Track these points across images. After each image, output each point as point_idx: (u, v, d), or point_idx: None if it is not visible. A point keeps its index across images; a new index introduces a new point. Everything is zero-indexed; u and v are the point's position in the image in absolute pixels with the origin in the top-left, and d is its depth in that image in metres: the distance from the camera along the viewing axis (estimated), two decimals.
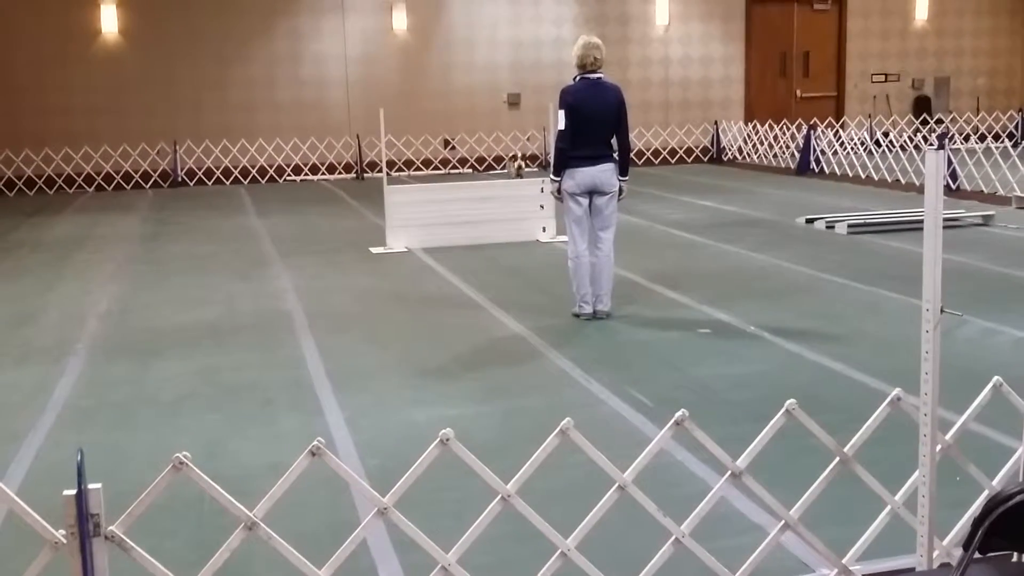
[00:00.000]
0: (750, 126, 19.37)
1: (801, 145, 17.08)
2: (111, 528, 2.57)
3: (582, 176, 7.13)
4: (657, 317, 7.35)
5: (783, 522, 3.21)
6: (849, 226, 10.81)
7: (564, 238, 7.81)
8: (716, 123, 20.04)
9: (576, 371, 5.98)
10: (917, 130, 18.55)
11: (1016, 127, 20.31)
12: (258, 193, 16.43)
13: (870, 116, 20.40)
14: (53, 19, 17.30)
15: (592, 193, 7.20)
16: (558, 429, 2.98)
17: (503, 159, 18.68)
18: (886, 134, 17.73)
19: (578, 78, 7.24)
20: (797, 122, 18.22)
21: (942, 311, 2.99)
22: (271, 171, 18.11)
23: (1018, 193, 12.35)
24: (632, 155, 9.58)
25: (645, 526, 3.23)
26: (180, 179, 17.75)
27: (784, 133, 17.98)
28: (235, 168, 18.00)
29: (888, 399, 3.29)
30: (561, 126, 7.13)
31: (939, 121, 19.89)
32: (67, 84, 17.38)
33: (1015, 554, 2.75)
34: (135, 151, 17.59)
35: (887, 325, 6.91)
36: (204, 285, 8.89)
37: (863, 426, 3.28)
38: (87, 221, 13.48)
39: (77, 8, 17.45)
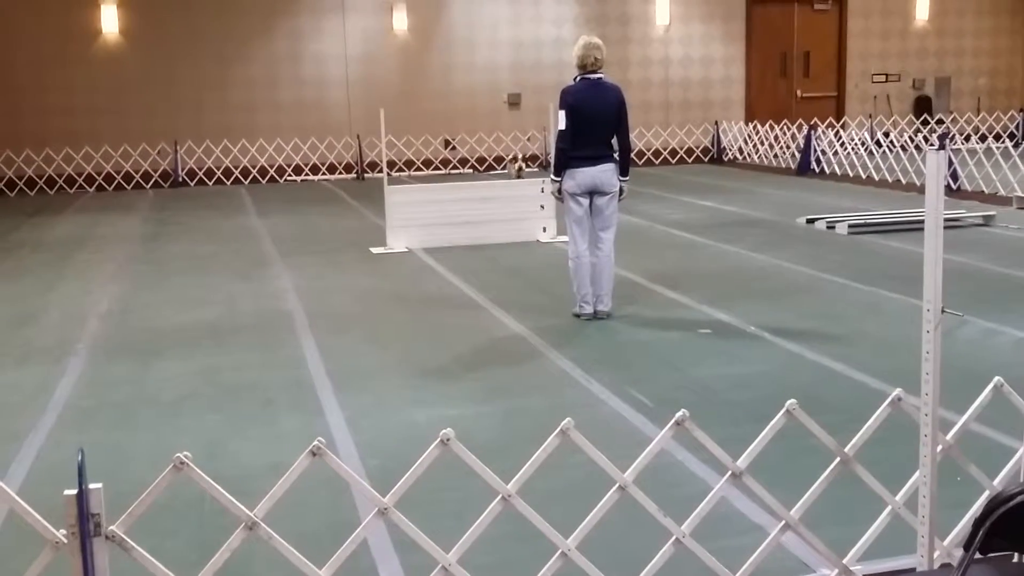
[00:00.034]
0: (750, 126, 19.37)
1: (802, 145, 17.08)
2: (112, 528, 2.57)
3: (583, 176, 7.13)
4: (657, 317, 7.35)
5: (784, 522, 3.21)
6: (850, 226, 10.80)
7: (565, 238, 7.81)
8: (716, 123, 20.04)
9: (576, 371, 5.98)
10: (918, 130, 18.55)
11: (1017, 127, 20.31)
12: (259, 193, 16.43)
13: (871, 116, 20.40)
14: (54, 19, 17.31)
15: (593, 193, 7.20)
16: (558, 429, 2.98)
17: (503, 159, 18.68)
18: (887, 134, 17.72)
19: (578, 78, 7.24)
20: (798, 122, 18.22)
21: (943, 311, 2.99)
22: (272, 171, 18.11)
23: (1019, 193, 12.35)
24: (632, 155, 9.57)
25: (646, 526, 3.23)
26: (181, 179, 17.76)
27: (784, 133, 17.98)
28: (236, 168, 18.01)
29: (889, 399, 3.29)
30: (562, 126, 7.13)
31: (940, 121, 19.89)
32: (68, 84, 17.39)
33: (1016, 555, 2.74)
34: (136, 151, 17.60)
35: (888, 325, 6.91)
36: (205, 285, 8.89)
37: (864, 426, 3.28)
38: (88, 221, 13.48)
39: (78, 8, 17.45)
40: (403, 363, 6.30)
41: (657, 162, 19.66)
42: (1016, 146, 18.17)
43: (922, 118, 19.90)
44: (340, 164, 18.54)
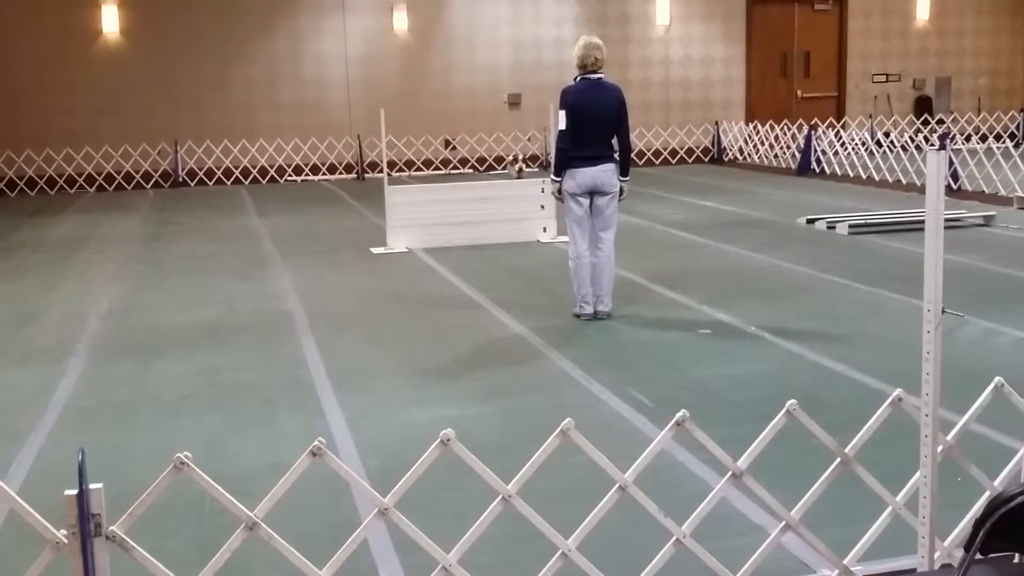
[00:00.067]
0: (751, 126, 19.37)
1: (802, 145, 17.08)
2: (112, 528, 2.57)
3: (583, 176, 7.13)
4: (658, 317, 7.35)
5: (784, 523, 3.21)
6: (850, 226, 10.80)
7: (565, 238, 7.80)
8: (717, 123, 20.04)
9: (577, 371, 5.98)
10: (918, 130, 18.54)
11: (1017, 127, 20.30)
12: (259, 193, 16.44)
13: (871, 116, 20.40)
14: (54, 19, 17.32)
15: (593, 193, 7.19)
16: (559, 429, 2.98)
17: (504, 159, 18.69)
18: (887, 134, 17.72)
19: (579, 78, 7.23)
20: (798, 122, 18.22)
21: (943, 312, 2.99)
22: (272, 171, 18.11)
23: (1019, 193, 12.35)
24: (633, 155, 9.58)
25: (646, 527, 3.23)
26: (181, 179, 17.76)
27: (785, 133, 17.98)
28: (236, 168, 18.01)
29: (889, 400, 3.29)
30: (562, 126, 7.12)
31: (940, 121, 19.89)
32: (68, 84, 17.40)
33: (1017, 555, 2.74)
34: (136, 151, 17.60)
35: (888, 326, 6.90)
36: (205, 285, 8.89)
37: (864, 427, 3.28)
38: (88, 221, 13.48)
39: (78, 8, 17.46)
40: (403, 363, 6.30)
41: (657, 162, 19.66)
42: (1016, 146, 18.16)
43: (922, 118, 19.90)
44: (340, 164, 18.54)
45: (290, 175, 18.31)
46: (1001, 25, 21.82)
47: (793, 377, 5.80)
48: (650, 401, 5.38)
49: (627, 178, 7.31)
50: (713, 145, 20.04)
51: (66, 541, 2.49)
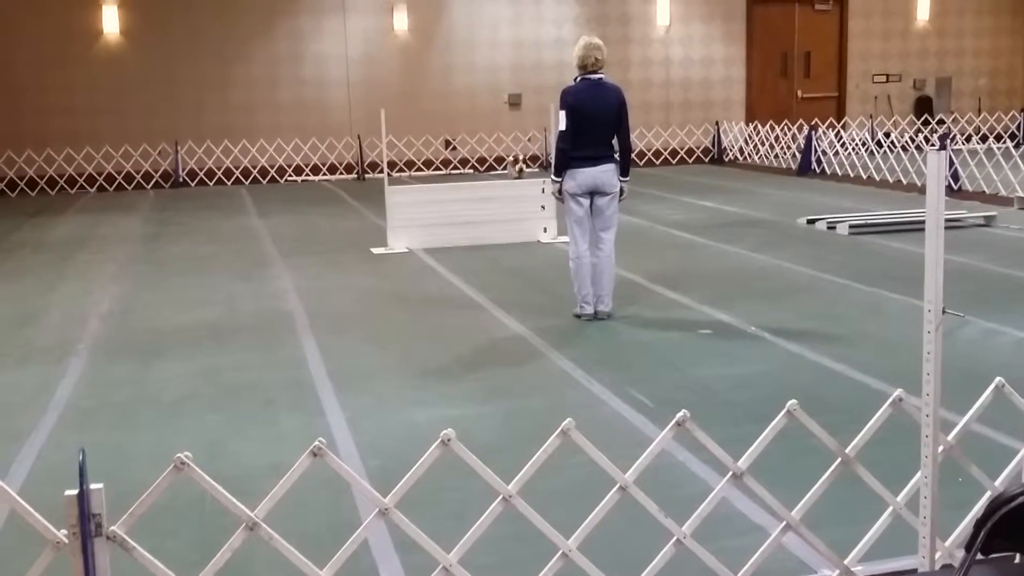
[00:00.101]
0: (751, 127, 19.37)
1: (802, 146, 17.08)
2: (113, 528, 2.57)
3: (583, 177, 7.13)
4: (658, 318, 7.35)
5: (785, 523, 3.21)
6: (850, 227, 10.80)
7: (565, 239, 7.80)
8: (717, 124, 20.04)
9: (577, 372, 5.98)
10: (918, 130, 18.55)
11: (1018, 127, 20.29)
12: (259, 194, 16.44)
13: (871, 116, 20.40)
14: (55, 20, 17.32)
15: (593, 194, 7.19)
16: (559, 430, 2.98)
17: (504, 160, 18.68)
18: (887, 134, 17.72)
19: (579, 79, 7.23)
20: (798, 123, 18.22)
21: (944, 312, 2.99)
22: (272, 172, 18.11)
23: (1020, 194, 12.34)
24: (633, 156, 9.57)
25: (646, 527, 3.23)
26: (181, 180, 17.76)
27: (785, 134, 17.98)
28: (236, 169, 18.01)
29: (890, 400, 3.29)
30: (562, 127, 7.12)
31: (940, 121, 19.89)
32: (69, 84, 17.40)
33: (1017, 555, 2.74)
34: (136, 152, 17.60)
35: (889, 326, 6.90)
36: (205, 285, 8.89)
37: (865, 427, 3.28)
38: (89, 222, 13.48)
39: (79, 8, 17.46)
40: (404, 363, 6.30)
41: (658, 162, 19.66)
42: (1017, 146, 18.16)
43: (923, 118, 19.90)
44: (341, 164, 18.54)
45: (290, 175, 18.31)
46: (1001, 25, 21.82)
47: (793, 377, 5.80)
48: (650, 401, 5.38)
49: (627, 178, 7.31)
50: (713, 145, 20.04)
51: (67, 541, 2.49)
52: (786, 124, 18.17)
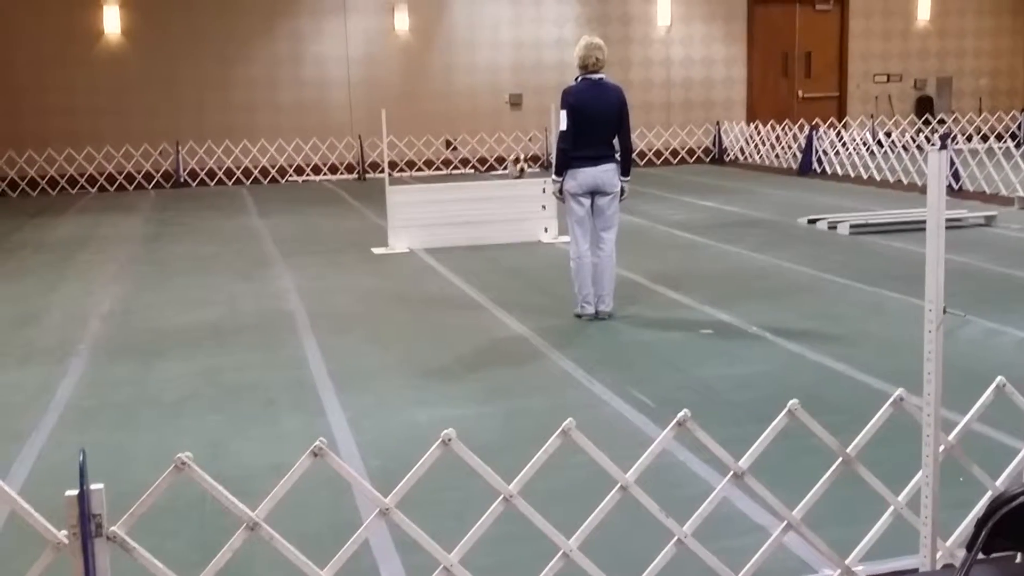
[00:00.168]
0: (752, 127, 19.37)
1: (803, 145, 17.07)
2: (113, 528, 2.56)
3: (584, 176, 7.13)
4: (659, 318, 7.35)
5: (786, 523, 3.21)
6: (851, 226, 10.80)
7: (566, 239, 7.80)
8: (718, 123, 20.04)
9: (578, 372, 5.98)
10: (919, 130, 18.54)
11: (1019, 127, 20.29)
12: (260, 194, 16.44)
13: (872, 116, 20.39)
14: (56, 20, 17.33)
15: (594, 193, 7.19)
16: (560, 430, 2.97)
17: (505, 160, 18.68)
18: (888, 134, 17.71)
19: (580, 78, 7.23)
20: (799, 122, 18.21)
21: (945, 311, 2.99)
22: (273, 172, 18.11)
23: (1020, 194, 12.34)
24: (634, 156, 9.57)
25: (647, 527, 3.23)
26: (183, 180, 17.76)
27: (786, 133, 17.97)
28: (237, 169, 18.01)
29: (891, 399, 3.29)
30: (563, 127, 7.12)
31: (941, 121, 19.88)
32: (70, 85, 17.41)
33: (1018, 555, 2.74)
34: (138, 152, 17.61)
35: (889, 325, 6.90)
36: (206, 286, 8.89)
37: (866, 426, 3.28)
38: (90, 222, 13.49)
39: (80, 9, 17.47)
40: (405, 363, 6.30)
41: (658, 162, 19.66)
42: (1018, 146, 18.15)
43: (924, 118, 19.90)
44: (341, 165, 18.54)
45: (291, 175, 18.32)
46: (1002, 25, 21.81)
47: (794, 377, 5.79)
48: (652, 401, 5.38)
49: (628, 178, 7.31)
50: (714, 145, 20.03)
51: (67, 542, 2.48)
52: (787, 124, 18.17)
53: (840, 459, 3.24)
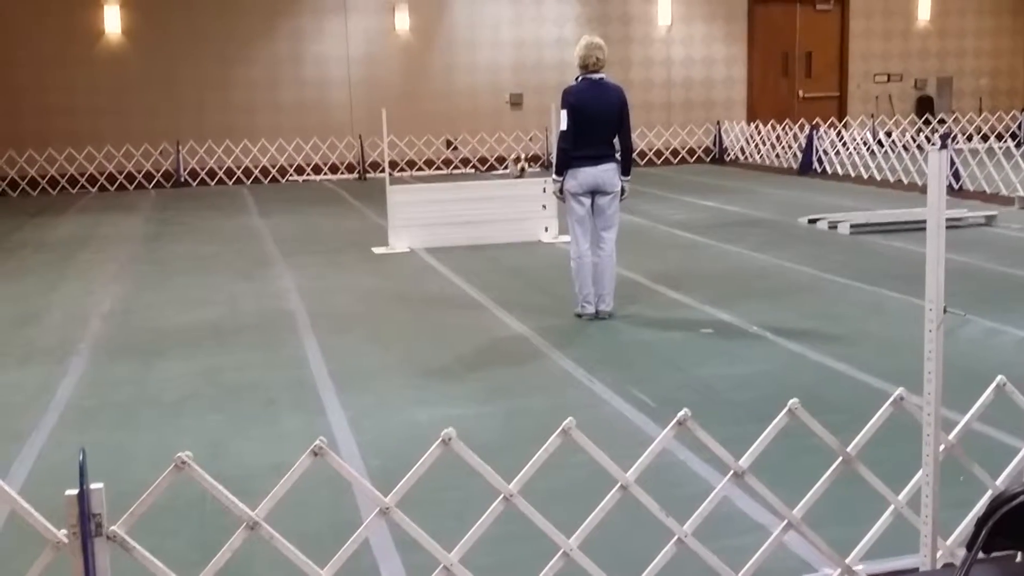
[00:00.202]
0: (752, 126, 19.37)
1: (803, 145, 17.07)
2: (113, 528, 2.56)
3: (584, 176, 7.13)
4: (659, 317, 7.35)
5: (786, 522, 3.21)
6: (851, 226, 10.80)
7: (566, 238, 7.80)
8: (718, 123, 20.04)
9: (579, 371, 5.98)
10: (919, 130, 18.53)
11: (1019, 127, 20.29)
12: (260, 193, 16.44)
13: (872, 116, 20.39)
14: (56, 20, 17.33)
15: (594, 193, 7.19)
16: (560, 429, 2.97)
17: (505, 159, 18.69)
18: (888, 134, 17.71)
19: (580, 78, 7.23)
20: (799, 122, 18.21)
21: (945, 311, 2.99)
22: (273, 171, 18.12)
23: (1021, 193, 12.34)
24: (634, 155, 9.57)
25: (648, 526, 3.23)
26: (183, 179, 17.76)
27: (786, 133, 17.97)
28: (238, 168, 18.02)
29: (891, 399, 3.29)
30: (563, 126, 7.12)
31: (941, 121, 19.88)
32: (70, 84, 17.41)
33: (1019, 554, 2.74)
34: (138, 151, 17.61)
35: (890, 325, 6.90)
36: (207, 285, 8.89)
37: (866, 426, 3.27)
38: (90, 221, 13.49)
39: (80, 9, 17.47)
40: (405, 363, 6.30)
41: (659, 162, 19.66)
42: (1018, 146, 18.15)
43: (924, 118, 19.89)
44: (342, 164, 18.55)
45: (292, 175, 18.32)
46: (1002, 25, 21.81)
47: (795, 377, 5.79)
48: (652, 401, 5.38)
49: (629, 178, 7.31)
50: (715, 145, 20.03)
51: (67, 541, 2.48)
52: (787, 124, 18.17)
53: (840, 458, 3.24)
